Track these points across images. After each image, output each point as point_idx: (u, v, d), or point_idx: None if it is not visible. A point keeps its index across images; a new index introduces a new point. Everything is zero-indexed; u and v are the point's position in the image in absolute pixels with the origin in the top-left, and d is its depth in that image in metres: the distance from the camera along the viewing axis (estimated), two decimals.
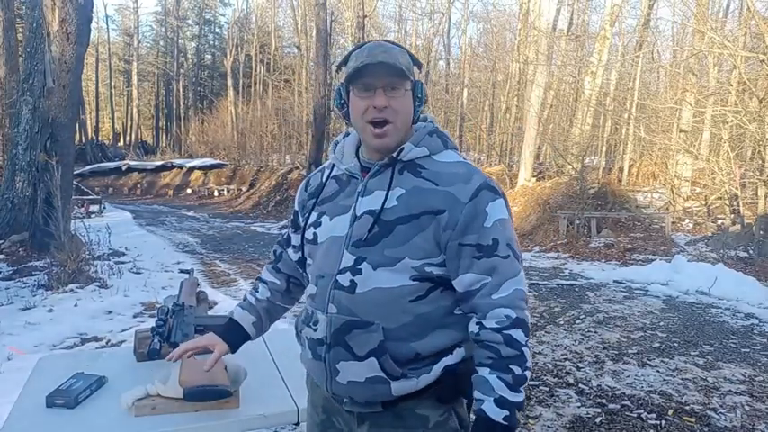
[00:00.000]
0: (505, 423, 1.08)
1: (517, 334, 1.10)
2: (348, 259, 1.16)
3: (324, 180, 1.30)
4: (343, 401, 1.21)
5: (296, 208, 1.40)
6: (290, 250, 1.43)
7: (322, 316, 1.18)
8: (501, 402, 1.08)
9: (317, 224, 1.25)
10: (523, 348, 1.11)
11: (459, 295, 1.15)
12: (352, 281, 1.14)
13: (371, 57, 1.14)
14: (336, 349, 1.15)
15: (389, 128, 1.16)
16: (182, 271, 2.10)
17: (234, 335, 1.44)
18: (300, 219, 1.35)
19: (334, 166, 1.30)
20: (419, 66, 1.24)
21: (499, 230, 1.13)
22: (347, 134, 1.33)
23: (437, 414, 1.17)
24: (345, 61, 1.22)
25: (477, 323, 1.12)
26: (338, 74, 1.32)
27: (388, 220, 1.14)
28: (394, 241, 1.13)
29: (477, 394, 1.11)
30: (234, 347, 1.44)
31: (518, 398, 1.10)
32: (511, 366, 1.10)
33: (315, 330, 1.19)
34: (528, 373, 1.12)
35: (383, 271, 1.13)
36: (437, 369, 1.15)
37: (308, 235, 1.27)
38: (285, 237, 1.47)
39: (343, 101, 1.23)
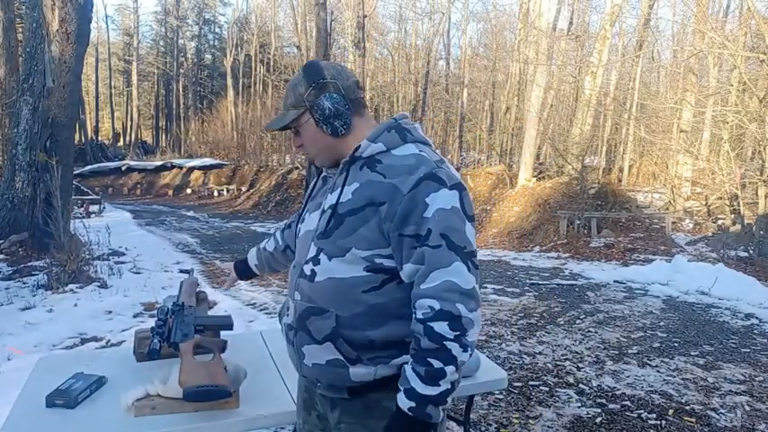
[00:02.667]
0: (410, 414, 1.10)
1: (439, 327, 1.08)
2: (312, 250, 1.26)
3: (317, 180, 1.42)
4: (316, 384, 1.29)
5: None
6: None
7: (291, 303, 1.30)
8: (409, 393, 1.10)
9: (301, 220, 1.38)
10: (445, 342, 1.08)
11: (408, 286, 1.19)
12: (312, 270, 1.24)
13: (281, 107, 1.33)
14: (301, 334, 1.26)
15: (312, 156, 1.32)
16: (181, 271, 2.09)
17: (243, 267, 1.85)
18: None
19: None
20: (312, 81, 1.25)
21: (436, 220, 1.12)
22: None
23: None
24: None
25: (413, 314, 1.15)
26: None
27: (341, 213, 1.21)
28: (343, 232, 1.19)
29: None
30: (241, 275, 1.87)
31: (430, 391, 1.09)
32: (428, 359, 1.09)
33: (287, 316, 1.32)
34: (451, 369, 1.09)
35: (337, 261, 1.20)
36: (396, 363, 1.18)
37: (297, 230, 1.40)
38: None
39: None
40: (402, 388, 1.12)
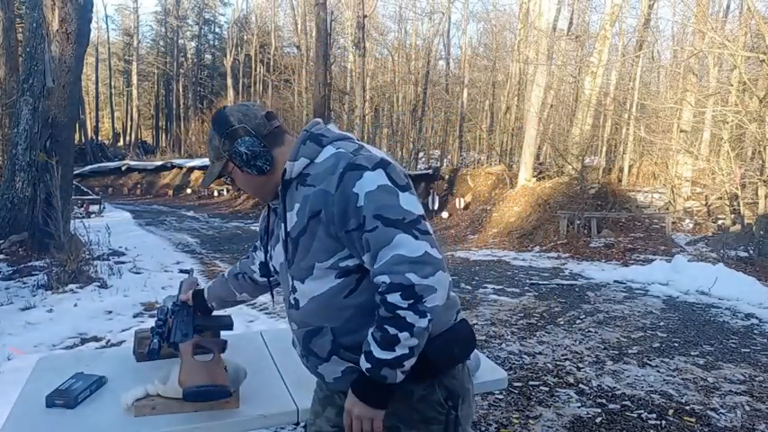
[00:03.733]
0: (367, 374, 1.16)
1: (392, 297, 1.11)
2: (289, 281, 1.31)
3: (267, 213, 1.45)
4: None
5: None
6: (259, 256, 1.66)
7: (294, 335, 1.37)
8: (368, 356, 1.16)
9: (270, 257, 1.44)
10: (398, 311, 1.11)
11: None
12: (295, 299, 1.30)
13: None
14: (311, 359, 1.32)
15: (253, 195, 1.40)
16: (181, 271, 2.10)
17: (200, 299, 1.83)
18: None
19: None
20: (222, 132, 1.31)
21: (366, 205, 1.14)
22: None
23: (420, 388, 1.24)
24: None
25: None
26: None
27: (293, 237, 1.25)
28: (301, 254, 1.24)
29: None
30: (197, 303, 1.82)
31: (385, 355, 1.13)
32: (384, 326, 1.13)
33: (296, 347, 1.39)
34: (405, 335, 1.12)
35: (309, 282, 1.24)
36: (405, 344, 1.20)
37: (271, 267, 1.45)
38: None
39: None
40: (363, 350, 1.17)
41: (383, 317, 1.13)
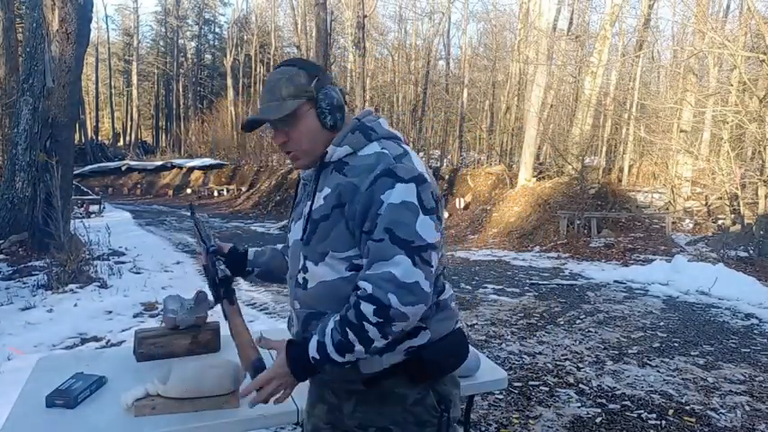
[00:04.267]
0: (311, 361, 1.18)
1: (365, 307, 1.10)
2: (300, 259, 1.29)
3: (297, 188, 1.44)
4: (331, 380, 1.32)
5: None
6: None
7: (293, 313, 1.34)
8: (320, 347, 1.16)
9: (288, 230, 1.40)
10: (364, 323, 1.11)
11: None
12: (304, 278, 1.27)
13: (260, 103, 1.28)
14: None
15: (295, 154, 1.30)
16: (190, 210, 1.92)
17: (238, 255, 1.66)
18: None
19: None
20: (316, 73, 1.27)
21: (384, 215, 1.13)
22: None
23: (415, 393, 1.24)
24: None
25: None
26: None
27: (315, 219, 1.23)
28: (319, 238, 1.23)
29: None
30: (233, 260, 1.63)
31: (336, 357, 1.15)
32: (347, 329, 1.13)
33: (292, 327, 1.37)
34: (360, 349, 1.13)
35: (322, 266, 1.23)
36: (400, 348, 1.21)
37: (287, 241, 1.41)
38: None
39: None
40: (316, 337, 1.17)
41: (349, 320, 1.13)
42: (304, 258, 1.27)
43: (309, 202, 1.26)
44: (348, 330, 1.12)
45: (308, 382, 1.44)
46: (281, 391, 1.23)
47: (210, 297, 1.57)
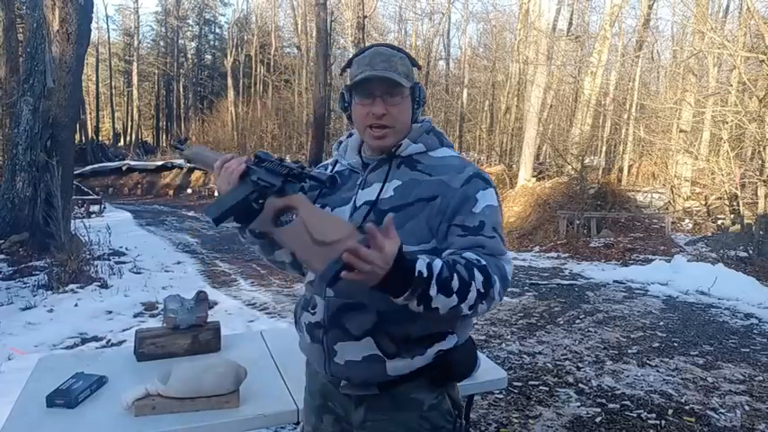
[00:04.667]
0: (416, 275, 1.00)
1: (477, 273, 1.06)
2: None
3: (329, 177, 1.37)
4: (340, 385, 1.26)
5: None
6: None
7: (320, 300, 1.24)
8: (428, 268, 1.02)
9: None
10: (472, 282, 1.05)
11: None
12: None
13: (372, 67, 1.20)
14: (334, 331, 1.21)
15: (388, 131, 1.23)
16: (178, 144, 1.47)
17: None
18: None
19: (337, 162, 1.39)
20: (418, 67, 1.29)
21: (486, 215, 1.17)
22: (351, 134, 1.40)
23: (431, 397, 1.23)
24: (349, 65, 1.29)
25: (451, 252, 1.14)
26: (341, 76, 1.36)
27: (383, 209, 1.19)
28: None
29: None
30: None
31: (430, 280, 1.01)
32: (455, 275, 1.04)
33: (313, 314, 1.26)
34: (452, 300, 1.04)
35: None
36: (431, 353, 1.20)
37: None
38: None
39: (346, 104, 1.30)
40: (427, 261, 1.04)
41: (459, 270, 1.05)
42: None
43: (377, 190, 1.22)
44: (455, 276, 1.05)
45: (307, 394, 1.41)
46: (368, 269, 0.94)
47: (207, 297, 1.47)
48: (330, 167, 1.39)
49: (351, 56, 1.32)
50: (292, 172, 1.12)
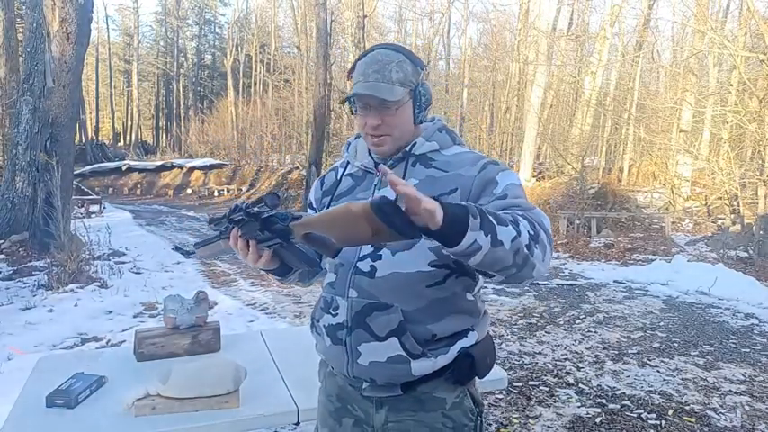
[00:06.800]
0: (465, 220, 0.92)
1: (523, 221, 1.01)
2: (367, 247, 1.20)
3: (339, 177, 1.38)
4: (362, 387, 1.25)
5: (314, 206, 1.43)
6: None
7: (342, 301, 1.22)
8: (481, 214, 0.94)
9: None
10: (540, 231, 1.02)
11: (466, 279, 1.20)
12: (372, 266, 1.20)
13: (365, 79, 1.20)
14: (357, 332, 1.20)
15: (386, 138, 1.24)
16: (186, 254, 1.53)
17: None
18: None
19: (348, 164, 1.38)
20: (422, 67, 1.26)
21: (510, 190, 1.15)
22: (358, 135, 1.38)
23: (453, 396, 1.23)
24: (352, 69, 1.28)
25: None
26: (348, 79, 1.35)
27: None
28: None
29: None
30: None
31: (490, 220, 0.95)
32: (522, 219, 1.00)
33: (335, 315, 1.23)
34: (525, 236, 0.98)
35: (402, 255, 1.17)
36: (454, 350, 1.20)
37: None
38: None
39: (354, 109, 1.30)
40: (480, 205, 0.99)
41: (522, 214, 1.03)
42: (379, 245, 1.18)
43: (383, 189, 1.23)
44: (501, 215, 0.99)
45: (323, 396, 1.37)
46: (423, 203, 0.87)
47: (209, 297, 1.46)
48: (341, 170, 1.38)
49: (351, 56, 1.32)
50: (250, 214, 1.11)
